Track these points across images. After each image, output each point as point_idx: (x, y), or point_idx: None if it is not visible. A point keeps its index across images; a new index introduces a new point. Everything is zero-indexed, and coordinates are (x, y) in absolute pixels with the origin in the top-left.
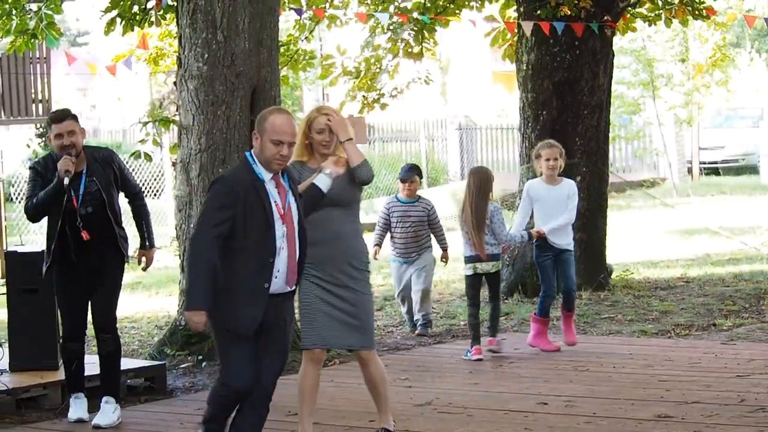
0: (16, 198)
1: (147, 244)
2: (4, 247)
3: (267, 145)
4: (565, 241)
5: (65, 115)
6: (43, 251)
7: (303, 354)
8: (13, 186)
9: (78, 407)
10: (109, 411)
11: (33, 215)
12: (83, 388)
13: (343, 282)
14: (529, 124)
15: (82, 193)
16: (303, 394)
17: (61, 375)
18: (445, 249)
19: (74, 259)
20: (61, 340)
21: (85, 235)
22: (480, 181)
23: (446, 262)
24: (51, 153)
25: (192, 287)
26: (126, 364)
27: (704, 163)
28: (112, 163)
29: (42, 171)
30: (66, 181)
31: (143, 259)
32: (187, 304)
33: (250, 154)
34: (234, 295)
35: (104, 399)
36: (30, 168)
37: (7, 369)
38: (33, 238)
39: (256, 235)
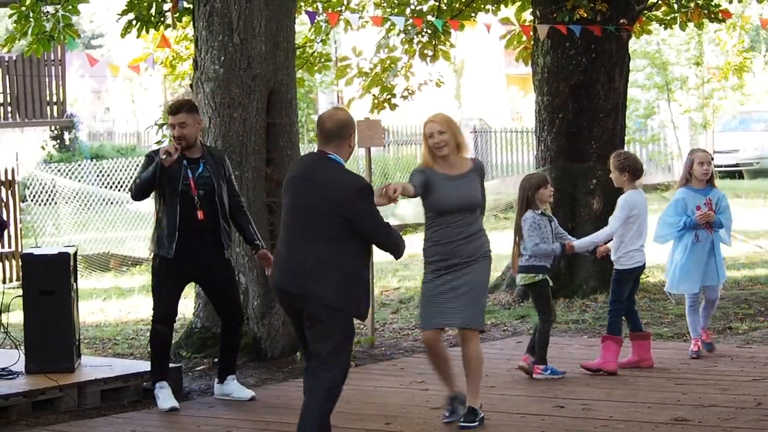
0: (32, 200)
1: (260, 243)
2: (20, 249)
3: (351, 142)
4: (614, 256)
5: (180, 107)
6: (60, 253)
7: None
8: (28, 188)
9: (168, 396)
10: (240, 386)
11: (135, 193)
12: (168, 376)
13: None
14: (545, 127)
15: (197, 176)
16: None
17: (76, 377)
18: None
19: (170, 242)
20: (151, 325)
21: (200, 214)
22: (520, 191)
23: None
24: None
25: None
26: (142, 366)
27: (719, 166)
28: (224, 163)
29: (154, 156)
30: (164, 157)
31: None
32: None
33: (339, 158)
34: (365, 285)
35: (231, 377)
36: (146, 155)
37: (23, 371)
38: (48, 240)
39: None
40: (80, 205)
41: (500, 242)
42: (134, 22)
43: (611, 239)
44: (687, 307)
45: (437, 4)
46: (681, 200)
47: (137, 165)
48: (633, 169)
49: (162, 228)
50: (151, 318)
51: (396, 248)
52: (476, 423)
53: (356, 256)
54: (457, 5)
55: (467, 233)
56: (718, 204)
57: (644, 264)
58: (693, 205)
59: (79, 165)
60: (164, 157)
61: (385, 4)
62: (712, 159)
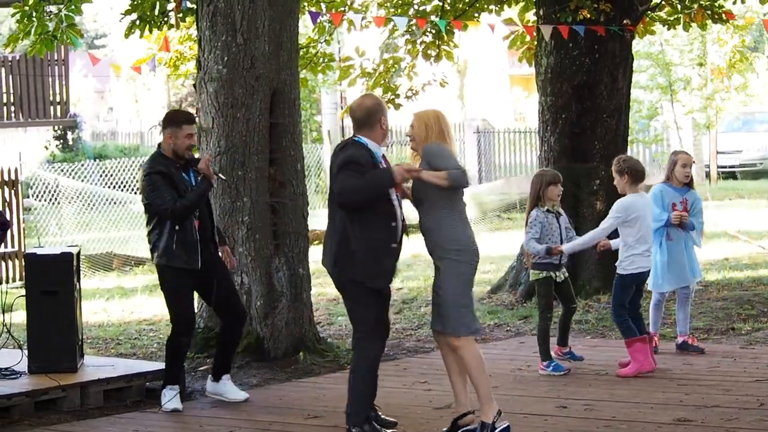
0: (35, 199)
1: (218, 239)
2: (23, 249)
3: (383, 125)
4: (618, 260)
5: (194, 117)
6: (63, 253)
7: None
8: (31, 188)
9: (175, 399)
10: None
11: (186, 215)
12: (180, 380)
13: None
14: (548, 128)
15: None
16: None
17: (79, 377)
18: None
19: (194, 254)
20: (171, 334)
21: (197, 223)
22: (532, 186)
23: None
24: (158, 153)
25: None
26: (145, 366)
27: (722, 167)
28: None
29: (166, 171)
30: (216, 178)
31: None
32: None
33: (365, 139)
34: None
35: (227, 377)
36: (152, 173)
37: (26, 371)
38: (51, 240)
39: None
40: (83, 205)
41: (503, 243)
42: (137, 22)
43: (599, 241)
44: (653, 302)
45: (441, 4)
46: (658, 194)
47: (140, 165)
48: (632, 171)
49: (179, 240)
50: (156, 319)
51: (372, 189)
52: None
53: (365, 228)
54: (461, 5)
55: (423, 228)
56: (693, 206)
57: (648, 270)
58: (668, 202)
59: (82, 165)
60: (222, 177)
61: (388, 5)
62: (693, 162)
